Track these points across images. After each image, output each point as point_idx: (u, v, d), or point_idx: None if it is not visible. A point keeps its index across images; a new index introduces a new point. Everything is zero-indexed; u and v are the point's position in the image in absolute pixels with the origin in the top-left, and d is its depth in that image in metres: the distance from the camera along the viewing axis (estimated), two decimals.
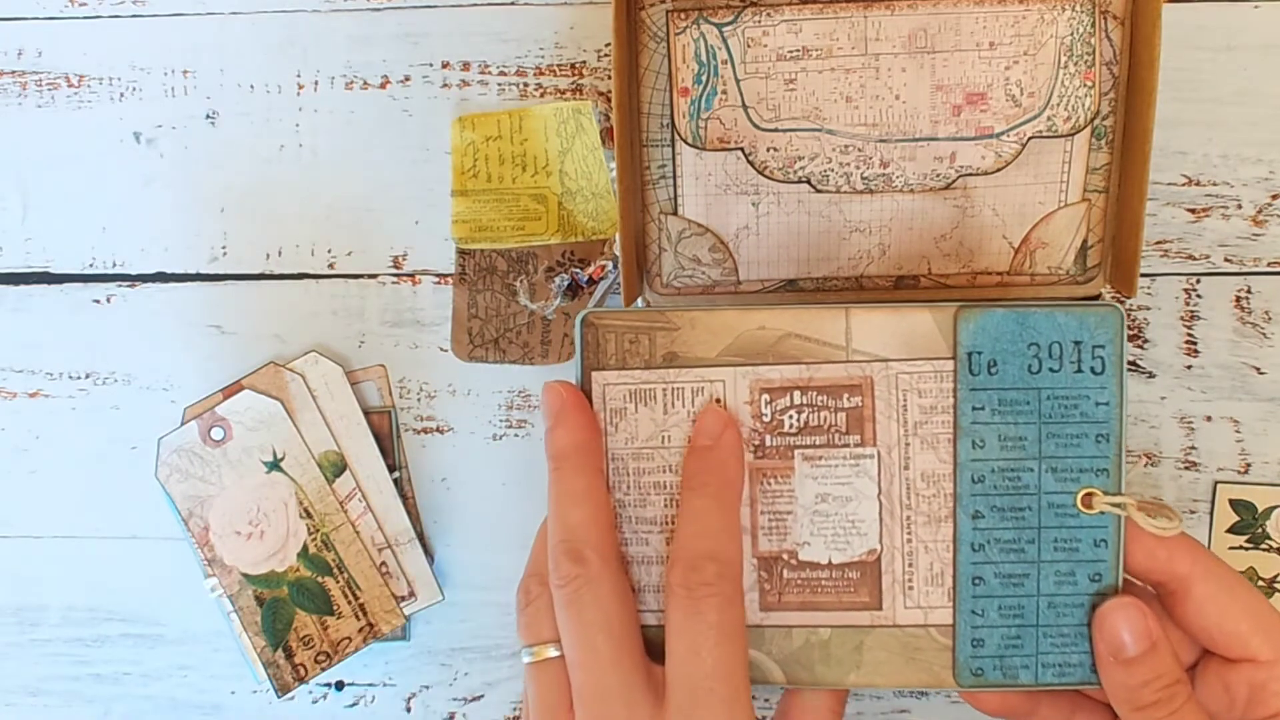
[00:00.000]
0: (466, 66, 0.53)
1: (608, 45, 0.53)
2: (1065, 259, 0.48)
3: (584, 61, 0.53)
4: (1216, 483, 0.53)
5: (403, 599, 0.53)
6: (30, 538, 0.55)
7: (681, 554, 0.38)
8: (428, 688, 0.55)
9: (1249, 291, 0.52)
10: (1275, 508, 0.52)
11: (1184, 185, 0.52)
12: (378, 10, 0.53)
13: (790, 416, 0.42)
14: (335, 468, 0.53)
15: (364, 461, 0.53)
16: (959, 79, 0.46)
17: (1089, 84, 0.46)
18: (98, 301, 0.55)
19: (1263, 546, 0.52)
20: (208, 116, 0.54)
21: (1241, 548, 0.52)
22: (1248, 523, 0.52)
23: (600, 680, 0.37)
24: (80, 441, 0.55)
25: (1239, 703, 0.35)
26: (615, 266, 0.53)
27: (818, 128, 0.47)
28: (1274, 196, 0.52)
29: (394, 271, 0.54)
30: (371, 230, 0.54)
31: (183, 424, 0.53)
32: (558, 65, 0.53)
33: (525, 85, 0.53)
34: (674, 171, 0.47)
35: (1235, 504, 0.52)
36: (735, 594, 0.38)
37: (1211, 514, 0.53)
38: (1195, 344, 0.53)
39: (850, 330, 0.42)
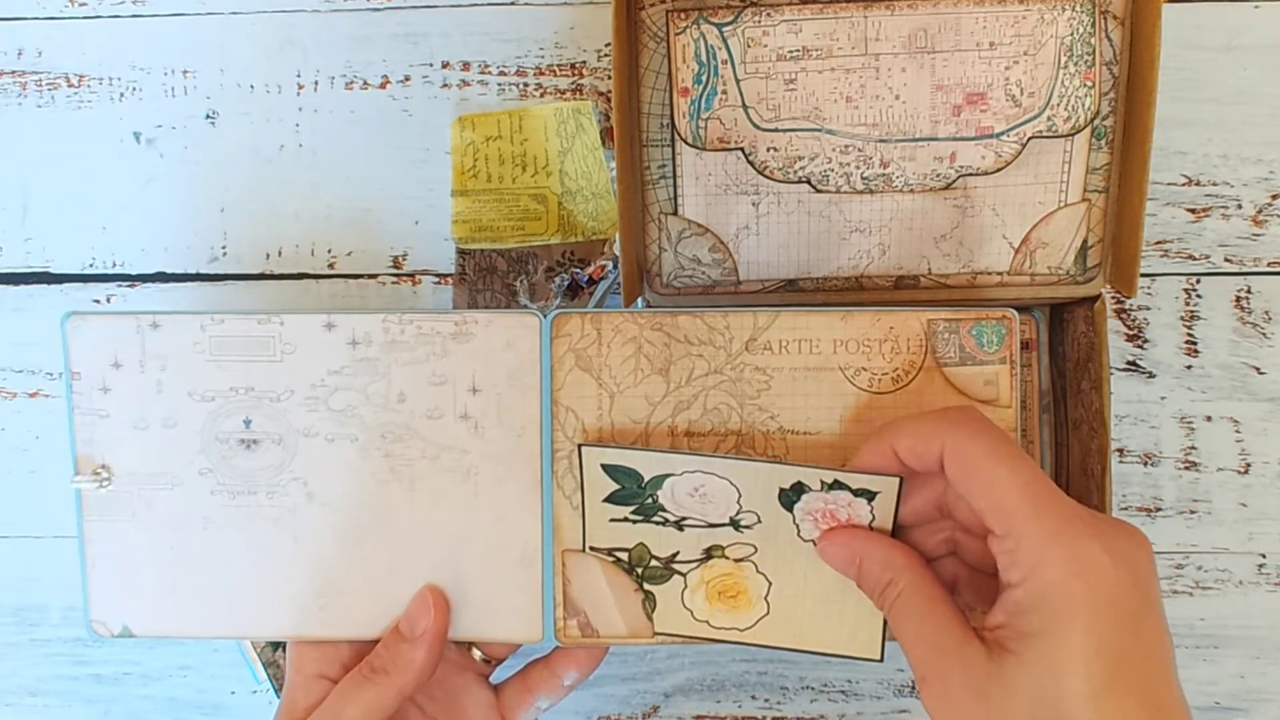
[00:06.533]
0: (466, 66, 0.53)
1: (608, 45, 0.53)
2: (1065, 259, 0.48)
3: (584, 61, 0.53)
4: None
5: None
6: (30, 538, 0.55)
7: None
8: None
9: (1249, 291, 0.52)
10: None
11: (1184, 185, 0.52)
12: (378, 10, 0.53)
13: None
14: None
15: None
16: (959, 79, 0.46)
17: (1089, 84, 0.46)
18: (97, 301, 0.55)
19: None
20: (208, 116, 0.54)
21: None
22: None
23: None
24: None
25: (1000, 569, 0.37)
26: (615, 266, 0.53)
27: (818, 128, 0.46)
28: (1274, 196, 0.52)
29: (394, 271, 0.54)
30: (371, 230, 0.54)
31: None
32: (558, 65, 0.53)
33: (525, 85, 0.53)
34: (674, 171, 0.47)
35: None
36: None
37: None
38: (1195, 344, 0.53)
39: None
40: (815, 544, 0.42)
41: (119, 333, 0.45)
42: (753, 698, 0.54)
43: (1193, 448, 0.53)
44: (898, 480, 0.39)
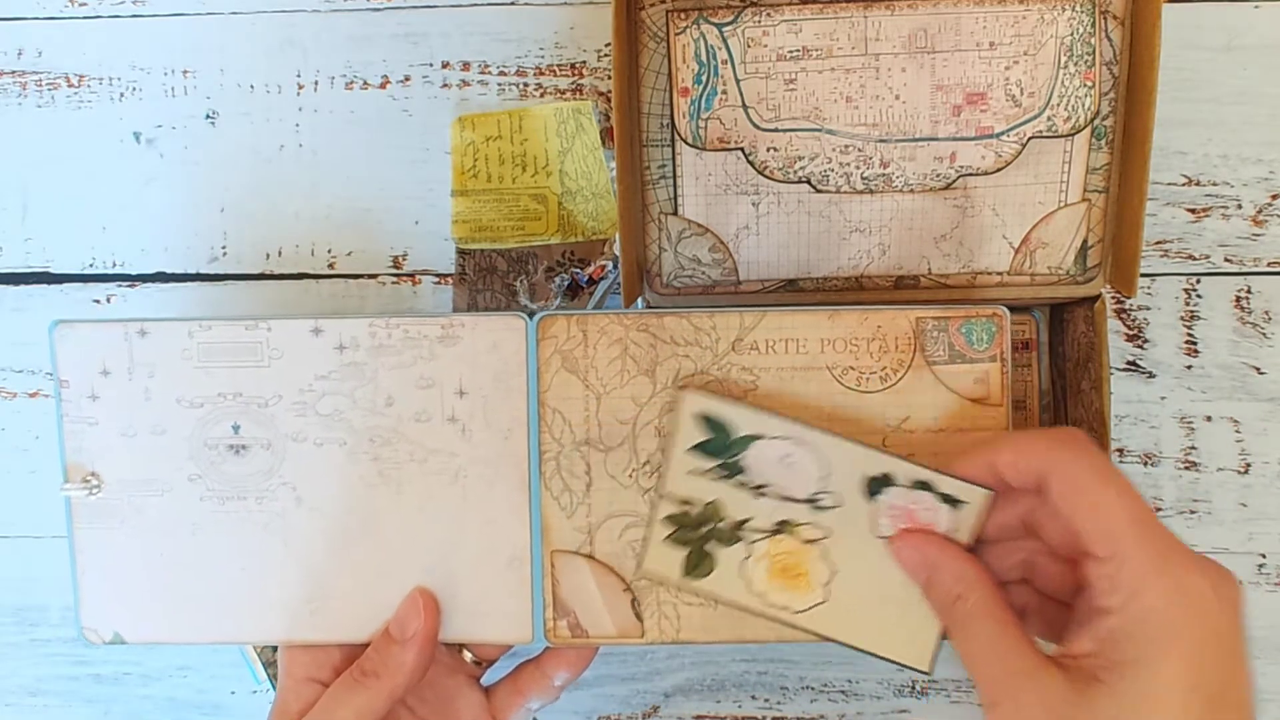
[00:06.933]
0: (466, 66, 0.53)
1: (608, 45, 0.53)
2: (1065, 259, 0.48)
3: (584, 61, 0.53)
4: None
5: None
6: (30, 538, 0.55)
7: None
8: None
9: (1249, 291, 0.52)
10: None
11: (1184, 185, 0.52)
12: (378, 10, 0.53)
13: None
14: None
15: None
16: (959, 79, 0.46)
17: (1089, 84, 0.46)
18: (98, 301, 0.55)
19: None
20: (208, 116, 0.54)
21: None
22: None
23: None
24: None
25: (1094, 594, 0.36)
26: (615, 266, 0.53)
27: (818, 128, 0.46)
28: (1274, 196, 0.52)
29: (394, 271, 0.54)
30: (371, 230, 0.54)
31: None
32: (558, 65, 0.53)
33: (525, 85, 0.53)
34: (674, 171, 0.47)
35: None
36: None
37: None
38: (1195, 344, 0.53)
39: None
40: (889, 541, 0.42)
41: (107, 340, 0.45)
42: (753, 698, 0.54)
43: (1193, 448, 0.53)
44: (990, 494, 0.39)
